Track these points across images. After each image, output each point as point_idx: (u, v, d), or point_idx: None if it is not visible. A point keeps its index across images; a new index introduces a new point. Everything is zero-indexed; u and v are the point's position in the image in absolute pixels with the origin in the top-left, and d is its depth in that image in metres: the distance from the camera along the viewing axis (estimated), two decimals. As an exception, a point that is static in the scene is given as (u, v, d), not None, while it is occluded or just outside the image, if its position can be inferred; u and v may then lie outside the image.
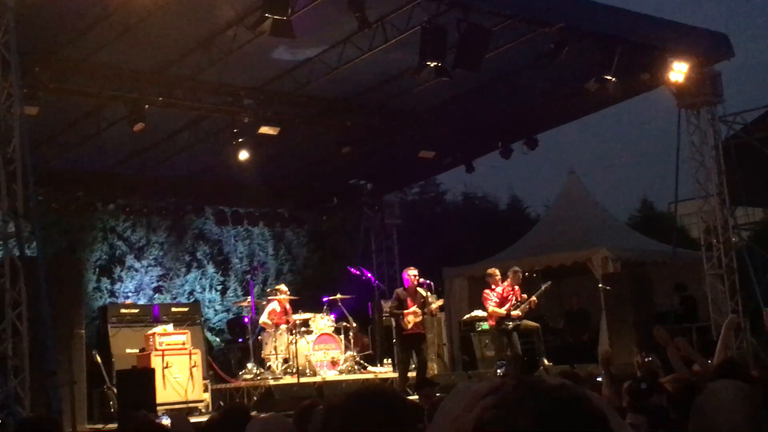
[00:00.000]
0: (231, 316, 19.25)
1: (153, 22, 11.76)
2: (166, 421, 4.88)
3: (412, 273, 13.47)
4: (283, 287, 15.26)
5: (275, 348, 14.22)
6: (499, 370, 13.71)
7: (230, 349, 16.55)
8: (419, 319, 13.38)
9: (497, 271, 14.32)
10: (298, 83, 14.24)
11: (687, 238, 24.07)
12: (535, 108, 16.39)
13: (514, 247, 19.25)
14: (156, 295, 19.25)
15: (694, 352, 7.46)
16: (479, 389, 1.72)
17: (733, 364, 6.12)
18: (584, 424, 1.50)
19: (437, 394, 9.48)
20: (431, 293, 13.90)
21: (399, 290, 13.65)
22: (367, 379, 14.00)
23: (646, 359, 7.74)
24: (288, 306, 14.85)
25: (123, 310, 15.17)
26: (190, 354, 13.69)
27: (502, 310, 13.95)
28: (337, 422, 2.26)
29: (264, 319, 14.68)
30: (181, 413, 10.92)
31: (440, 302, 14.80)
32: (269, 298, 15.21)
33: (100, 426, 12.06)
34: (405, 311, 13.25)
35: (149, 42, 12.43)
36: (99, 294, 18.64)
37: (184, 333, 14.02)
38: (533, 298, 13.97)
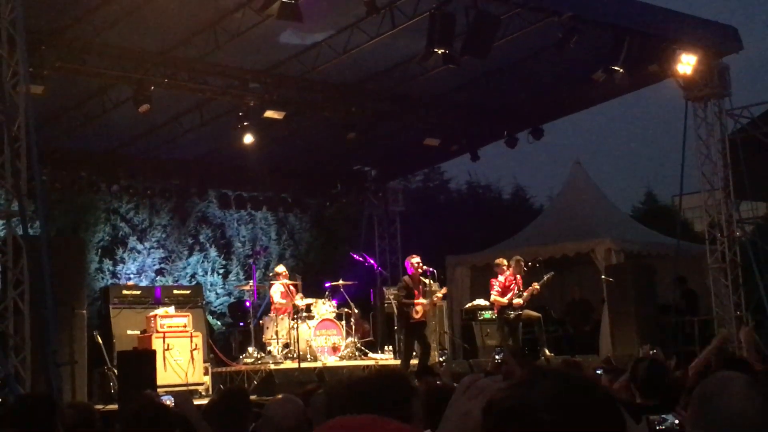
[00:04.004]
0: (232, 299, 19.27)
1: (160, 2, 11.72)
2: (168, 401, 4.87)
3: (415, 261, 13.44)
4: (280, 269, 15.18)
5: (276, 333, 14.22)
6: (497, 357, 13.70)
7: (231, 332, 16.56)
8: (428, 308, 13.40)
9: (504, 261, 14.34)
10: (304, 67, 14.20)
11: (691, 232, 24.05)
12: (541, 97, 16.34)
13: (518, 236, 19.24)
14: (158, 278, 19.27)
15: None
16: (487, 382, 1.73)
17: (735, 360, 6.11)
18: (594, 403, 1.52)
19: (437, 382, 9.48)
20: (434, 281, 13.89)
21: (406, 278, 13.59)
22: (368, 366, 14.01)
23: (651, 351, 7.71)
24: (292, 288, 14.83)
25: (125, 292, 15.16)
26: (191, 337, 13.70)
27: (504, 299, 13.99)
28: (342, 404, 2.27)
29: (280, 300, 14.53)
30: (184, 394, 10.92)
31: (444, 290, 14.78)
32: (271, 282, 15.17)
33: (100, 406, 12.03)
34: (415, 301, 13.23)
35: (156, 23, 12.39)
36: (101, 275, 18.66)
37: (186, 315, 14.02)
38: (536, 285, 13.98)
